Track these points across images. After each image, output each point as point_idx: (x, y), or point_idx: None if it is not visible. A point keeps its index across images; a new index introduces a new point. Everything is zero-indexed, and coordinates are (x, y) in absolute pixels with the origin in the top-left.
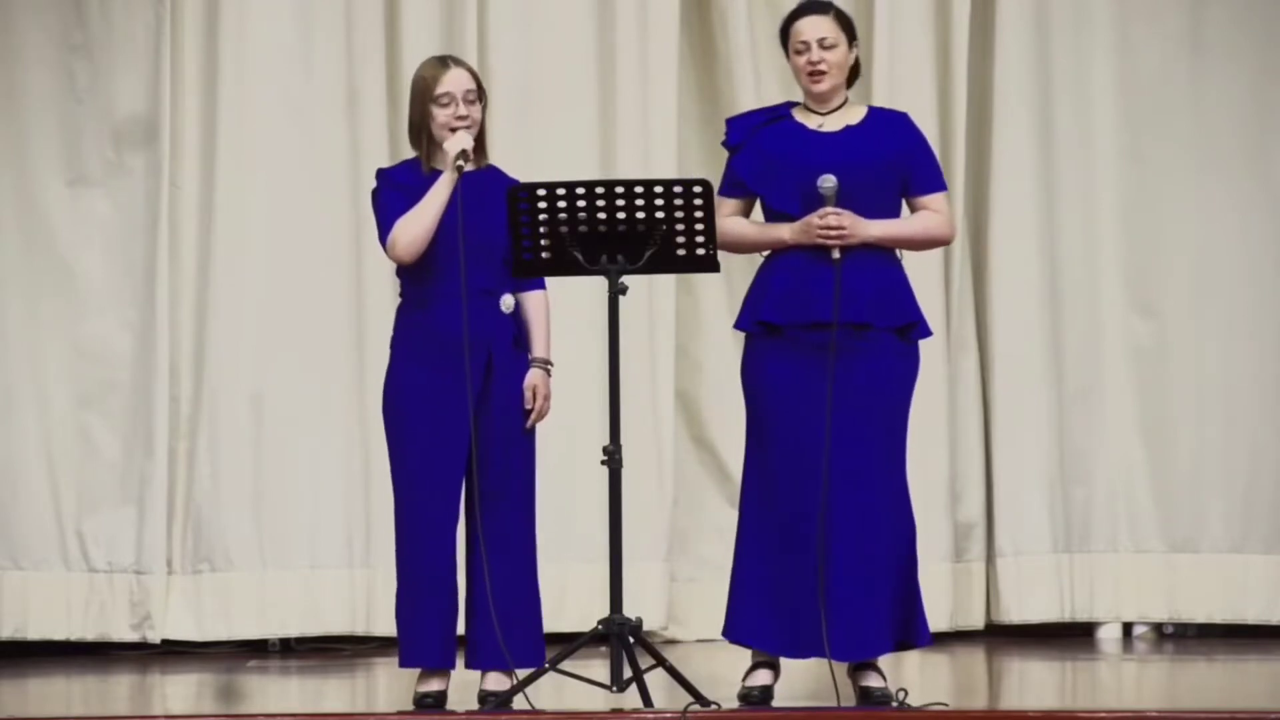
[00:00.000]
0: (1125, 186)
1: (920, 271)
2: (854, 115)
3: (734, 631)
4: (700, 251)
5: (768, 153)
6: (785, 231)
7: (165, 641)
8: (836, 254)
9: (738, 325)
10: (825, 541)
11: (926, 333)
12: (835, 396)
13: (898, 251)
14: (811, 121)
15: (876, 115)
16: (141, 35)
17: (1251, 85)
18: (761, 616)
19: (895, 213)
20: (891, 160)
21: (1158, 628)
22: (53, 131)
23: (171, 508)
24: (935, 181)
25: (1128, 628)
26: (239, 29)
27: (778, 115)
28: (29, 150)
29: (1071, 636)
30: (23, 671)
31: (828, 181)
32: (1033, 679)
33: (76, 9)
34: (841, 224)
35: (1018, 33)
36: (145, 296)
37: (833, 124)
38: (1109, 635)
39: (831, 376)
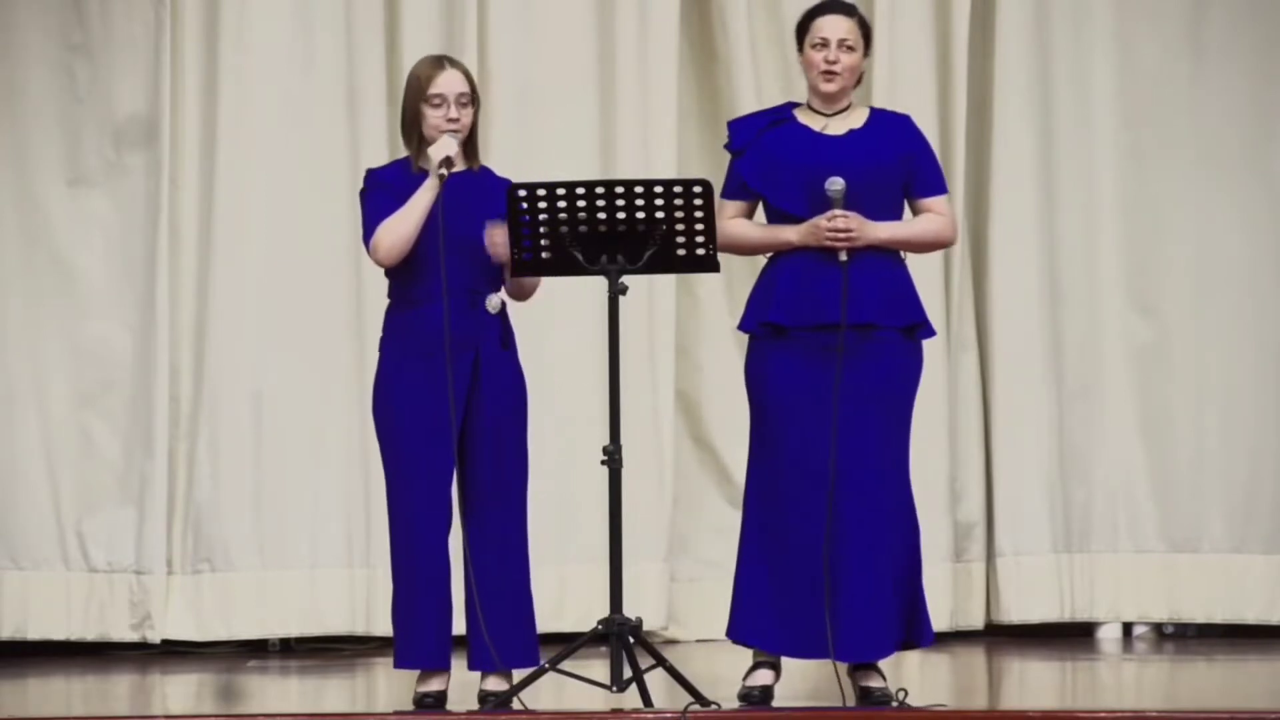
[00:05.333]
0: (1125, 186)
1: (920, 272)
2: (857, 118)
3: (738, 631)
4: (700, 251)
5: (773, 155)
6: (791, 234)
7: (165, 641)
8: (844, 256)
9: (742, 326)
10: (832, 543)
11: (931, 332)
12: (842, 397)
13: (901, 252)
14: (816, 123)
15: (879, 117)
16: (141, 35)
17: (1251, 85)
18: (765, 617)
19: (898, 214)
20: (895, 163)
21: (1158, 628)
22: (53, 131)
23: (171, 508)
24: (937, 184)
25: (1128, 628)
26: (239, 29)
27: (781, 118)
28: (29, 150)
29: (1071, 636)
30: (23, 671)
31: (836, 184)
32: (1033, 679)
33: (76, 9)
34: (849, 226)
35: (1018, 33)
36: (145, 296)
37: (836, 127)
38: (1109, 635)
39: (839, 378)
